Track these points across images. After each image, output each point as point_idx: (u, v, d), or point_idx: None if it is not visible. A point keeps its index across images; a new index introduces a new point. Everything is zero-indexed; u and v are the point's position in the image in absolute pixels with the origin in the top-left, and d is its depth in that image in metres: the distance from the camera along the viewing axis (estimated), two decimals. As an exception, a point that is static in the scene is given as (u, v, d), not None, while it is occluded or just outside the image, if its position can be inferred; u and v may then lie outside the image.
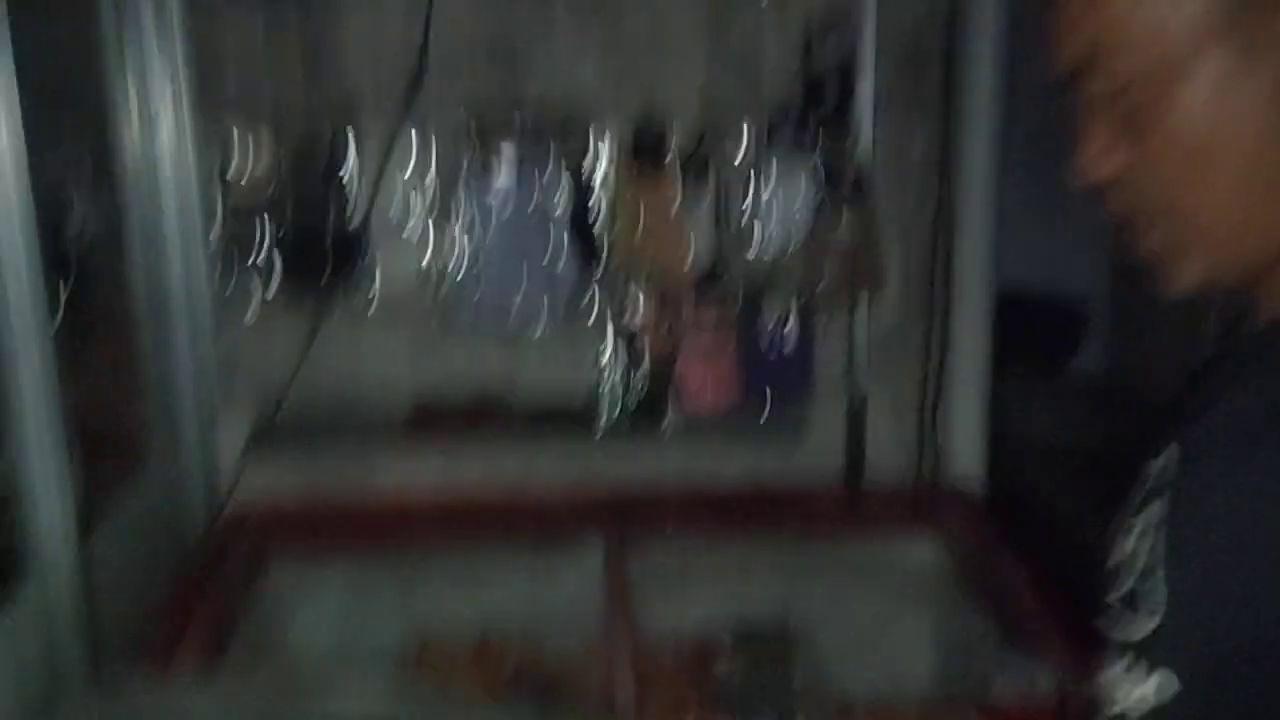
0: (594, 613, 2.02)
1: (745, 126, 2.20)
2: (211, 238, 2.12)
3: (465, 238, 2.13)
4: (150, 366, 2.13)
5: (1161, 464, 0.71)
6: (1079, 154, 0.72)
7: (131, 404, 2.12)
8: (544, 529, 2.19)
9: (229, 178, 2.10)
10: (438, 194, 2.13)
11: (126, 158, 2.05)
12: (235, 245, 2.12)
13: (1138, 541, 0.70)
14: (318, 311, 2.15)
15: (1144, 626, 0.68)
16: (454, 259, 2.15)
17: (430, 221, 2.14)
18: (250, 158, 2.09)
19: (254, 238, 2.12)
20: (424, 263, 2.16)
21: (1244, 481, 0.65)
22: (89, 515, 1.68)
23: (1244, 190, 0.67)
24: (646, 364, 2.26)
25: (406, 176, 2.12)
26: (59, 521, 1.55)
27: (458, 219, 2.13)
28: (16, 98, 1.44)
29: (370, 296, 2.17)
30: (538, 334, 2.21)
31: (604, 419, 2.25)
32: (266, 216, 2.10)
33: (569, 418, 2.26)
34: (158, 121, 2.08)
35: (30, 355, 1.49)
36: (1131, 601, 0.69)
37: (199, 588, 1.96)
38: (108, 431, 2.10)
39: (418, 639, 2.12)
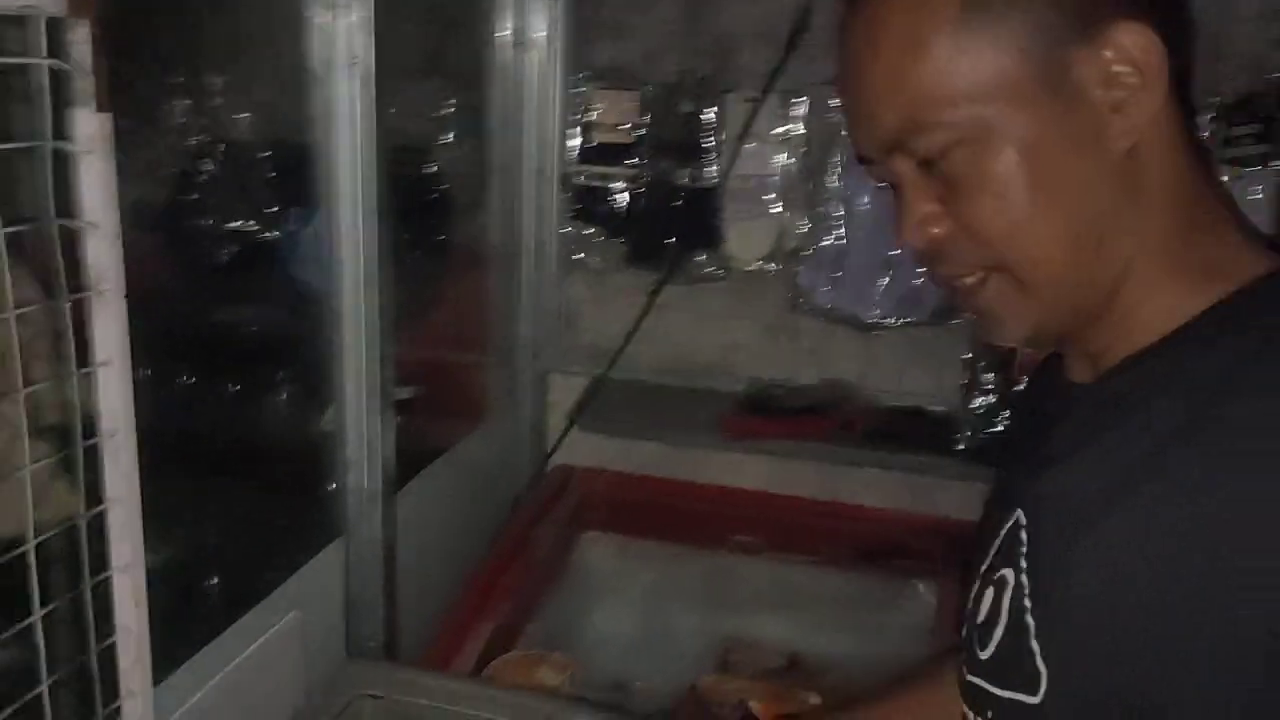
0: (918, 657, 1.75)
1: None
2: (565, 189, 2.01)
3: (831, 212, 1.88)
4: (497, 315, 2.09)
5: (1008, 529, 0.74)
6: (901, 223, 0.72)
7: (479, 352, 2.10)
8: (876, 552, 1.94)
9: (590, 127, 1.97)
10: (806, 163, 1.88)
11: (495, 96, 1.97)
12: (588, 199, 2.00)
13: (993, 604, 0.73)
14: (663, 276, 2.00)
15: (1018, 697, 0.70)
16: (815, 234, 1.91)
17: (794, 191, 1.90)
18: (614, 109, 1.95)
19: (607, 192, 1.99)
20: (782, 235, 1.93)
21: (1104, 554, 0.65)
22: (407, 476, 1.66)
23: (1074, 240, 0.68)
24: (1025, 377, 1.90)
25: (773, 141, 1.89)
26: (371, 486, 1.51)
27: (825, 191, 1.88)
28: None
29: (720, 266, 1.98)
30: (900, 327, 1.93)
31: (965, 436, 1.93)
32: (622, 171, 1.96)
33: (924, 429, 1.97)
34: (529, 54, 1.98)
35: (357, 320, 1.44)
36: (1004, 667, 0.72)
37: (512, 552, 1.91)
38: (456, 379, 2.09)
39: (722, 643, 1.96)
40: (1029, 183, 0.67)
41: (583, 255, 2.04)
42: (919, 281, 1.88)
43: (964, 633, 0.79)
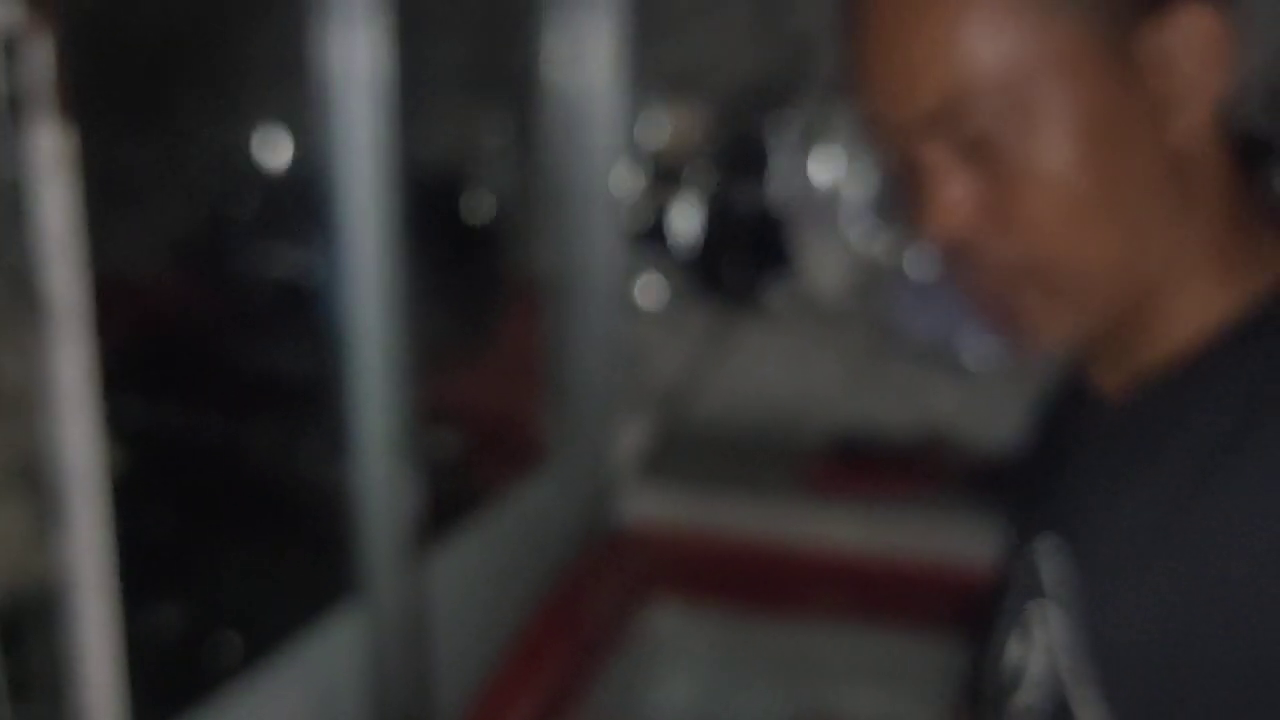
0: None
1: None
2: (625, 216, 1.85)
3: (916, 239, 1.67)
4: (553, 352, 1.93)
5: (1039, 562, 0.69)
6: (925, 213, 0.64)
7: (534, 394, 1.94)
8: (981, 619, 1.70)
9: (651, 149, 1.81)
10: (886, 184, 1.69)
11: (545, 114, 1.82)
12: (650, 227, 1.83)
13: (1028, 643, 0.69)
14: (733, 311, 1.81)
15: None
16: (901, 264, 1.70)
17: (874, 217, 1.71)
18: (675, 126, 1.78)
19: (670, 219, 1.82)
20: (862, 265, 1.73)
21: (1158, 587, 0.61)
22: (450, 527, 1.51)
23: (1124, 236, 0.63)
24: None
25: (850, 161, 1.69)
26: (390, 544, 1.35)
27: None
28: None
29: (795, 300, 1.79)
30: (1000, 368, 1.71)
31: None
32: (686, 194, 1.79)
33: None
34: (582, 69, 1.82)
35: (372, 362, 1.29)
36: (1044, 710, 0.67)
37: (564, 616, 1.72)
38: (506, 422, 1.94)
39: (804, 722, 1.74)
40: (1083, 171, 0.61)
41: (646, 287, 1.86)
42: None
43: (984, 675, 0.75)
